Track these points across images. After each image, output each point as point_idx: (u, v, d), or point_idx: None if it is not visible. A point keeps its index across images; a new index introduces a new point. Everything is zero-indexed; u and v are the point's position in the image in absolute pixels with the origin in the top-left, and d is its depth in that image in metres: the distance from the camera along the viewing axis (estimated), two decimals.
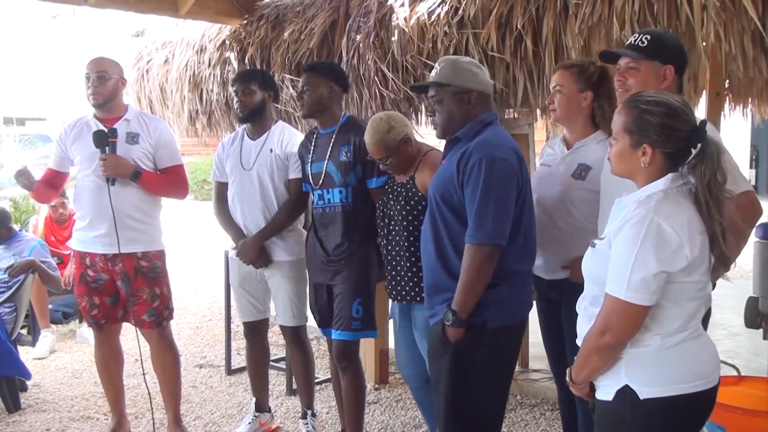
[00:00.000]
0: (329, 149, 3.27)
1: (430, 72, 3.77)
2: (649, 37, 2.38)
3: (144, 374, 3.56)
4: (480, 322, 2.46)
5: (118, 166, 3.32)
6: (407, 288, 2.95)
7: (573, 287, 2.61)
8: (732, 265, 1.98)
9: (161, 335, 3.57)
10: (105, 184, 3.33)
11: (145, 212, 3.47)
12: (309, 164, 3.34)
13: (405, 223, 2.92)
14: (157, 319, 3.50)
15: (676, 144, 1.83)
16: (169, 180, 3.54)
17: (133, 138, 3.42)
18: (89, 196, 3.41)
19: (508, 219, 2.44)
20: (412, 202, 2.92)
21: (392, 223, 2.98)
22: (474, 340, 2.47)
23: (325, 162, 3.26)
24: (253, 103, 3.47)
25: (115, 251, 3.36)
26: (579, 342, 1.98)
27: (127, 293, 3.45)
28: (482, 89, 2.60)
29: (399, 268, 2.96)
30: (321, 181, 3.28)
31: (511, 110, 4.06)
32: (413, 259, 2.86)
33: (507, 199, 2.44)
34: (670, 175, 1.86)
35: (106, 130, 3.34)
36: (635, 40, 2.40)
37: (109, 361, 3.67)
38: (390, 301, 3.16)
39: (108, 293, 3.49)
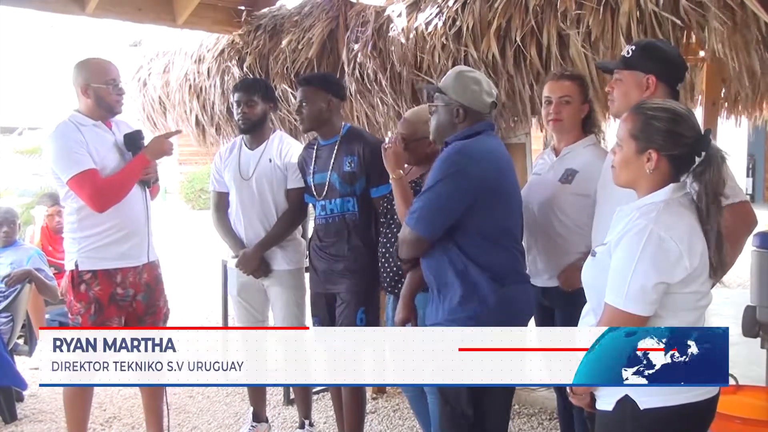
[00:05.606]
0: (332, 159, 3.27)
1: (428, 83, 3.80)
2: (634, 48, 2.40)
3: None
4: None
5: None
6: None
7: (566, 294, 2.66)
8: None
9: None
10: (142, 190, 3.28)
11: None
12: (311, 175, 3.34)
13: None
14: (165, 325, 3.46)
15: (681, 149, 1.85)
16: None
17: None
18: (128, 205, 3.22)
19: (440, 217, 2.46)
20: None
21: (396, 217, 2.95)
22: None
23: (329, 172, 3.26)
24: (255, 116, 3.47)
25: (144, 261, 3.29)
26: None
27: (145, 306, 3.32)
28: (473, 107, 2.56)
29: (400, 263, 2.94)
30: (324, 192, 3.28)
31: (508, 120, 4.05)
32: None
33: (446, 198, 2.44)
34: (671, 185, 1.87)
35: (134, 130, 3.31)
36: (624, 52, 2.43)
37: (85, 395, 3.32)
38: (386, 301, 3.15)
39: (127, 310, 3.31)
